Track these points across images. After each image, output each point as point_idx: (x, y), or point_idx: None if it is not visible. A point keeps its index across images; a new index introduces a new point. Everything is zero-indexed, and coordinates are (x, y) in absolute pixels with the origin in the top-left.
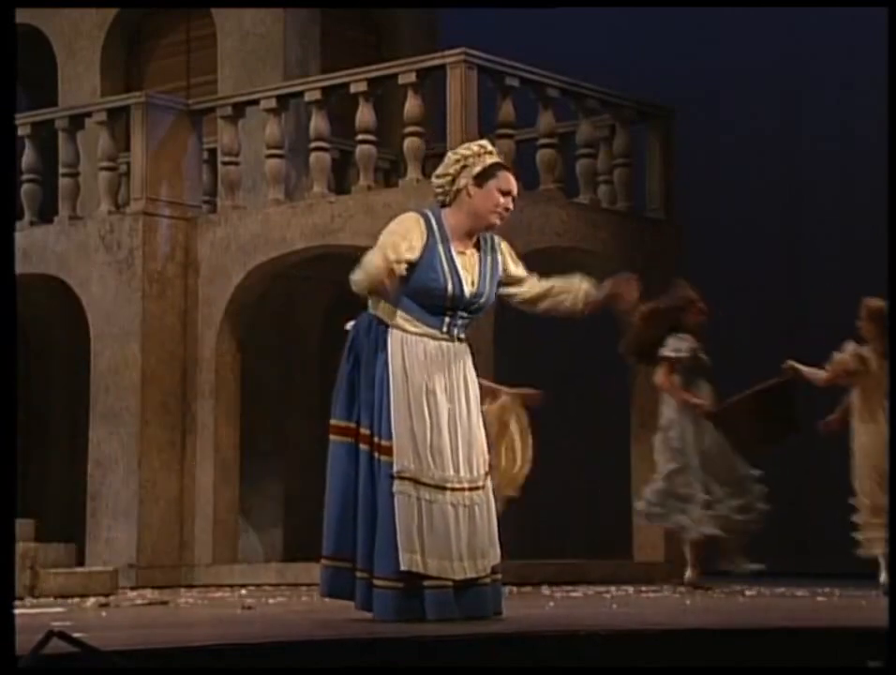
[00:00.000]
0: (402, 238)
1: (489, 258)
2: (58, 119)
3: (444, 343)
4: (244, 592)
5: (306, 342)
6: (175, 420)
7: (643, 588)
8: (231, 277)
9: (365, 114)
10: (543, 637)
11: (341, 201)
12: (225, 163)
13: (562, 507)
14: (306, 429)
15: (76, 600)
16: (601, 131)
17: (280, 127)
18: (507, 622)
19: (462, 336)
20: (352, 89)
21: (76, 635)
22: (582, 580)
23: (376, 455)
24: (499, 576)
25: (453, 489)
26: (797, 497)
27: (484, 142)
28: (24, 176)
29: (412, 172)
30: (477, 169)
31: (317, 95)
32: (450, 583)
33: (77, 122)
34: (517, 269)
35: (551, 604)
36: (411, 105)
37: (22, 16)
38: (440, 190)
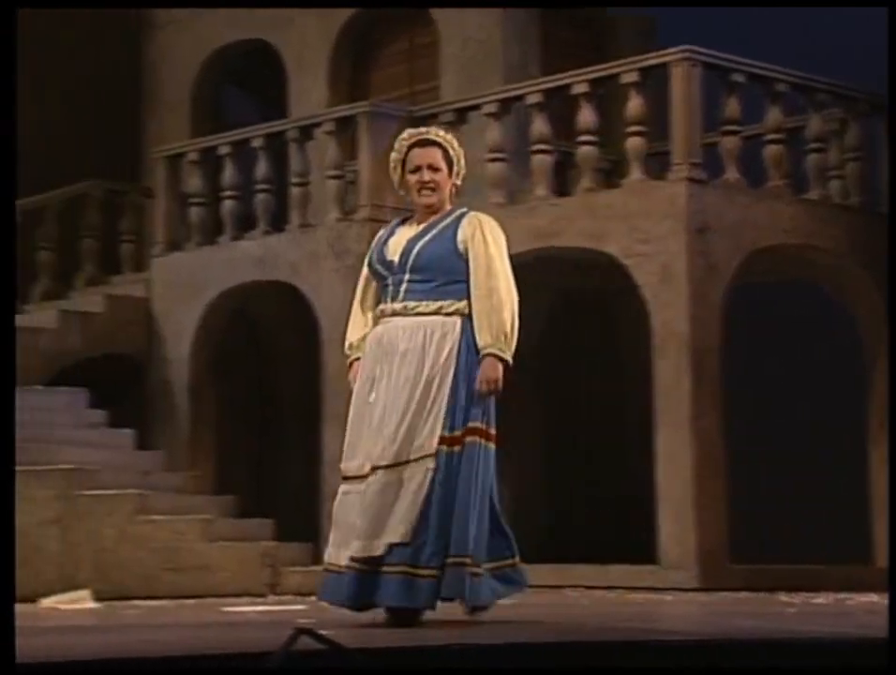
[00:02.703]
0: (359, 285)
1: (442, 224)
2: (289, 130)
3: (397, 320)
4: None
5: (527, 345)
6: None
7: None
8: None
9: (586, 115)
10: (792, 644)
11: (563, 203)
12: None
13: (797, 511)
14: (529, 432)
15: (315, 598)
16: (831, 125)
17: (502, 130)
18: (754, 628)
19: (422, 306)
20: (574, 90)
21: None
22: (819, 587)
23: None
24: (399, 567)
25: (351, 478)
26: None
27: (403, 135)
28: (258, 186)
29: (636, 172)
30: (400, 166)
31: (538, 97)
32: (339, 567)
33: (307, 132)
34: (473, 250)
35: (791, 610)
36: (634, 104)
37: (254, 31)
38: (403, 193)
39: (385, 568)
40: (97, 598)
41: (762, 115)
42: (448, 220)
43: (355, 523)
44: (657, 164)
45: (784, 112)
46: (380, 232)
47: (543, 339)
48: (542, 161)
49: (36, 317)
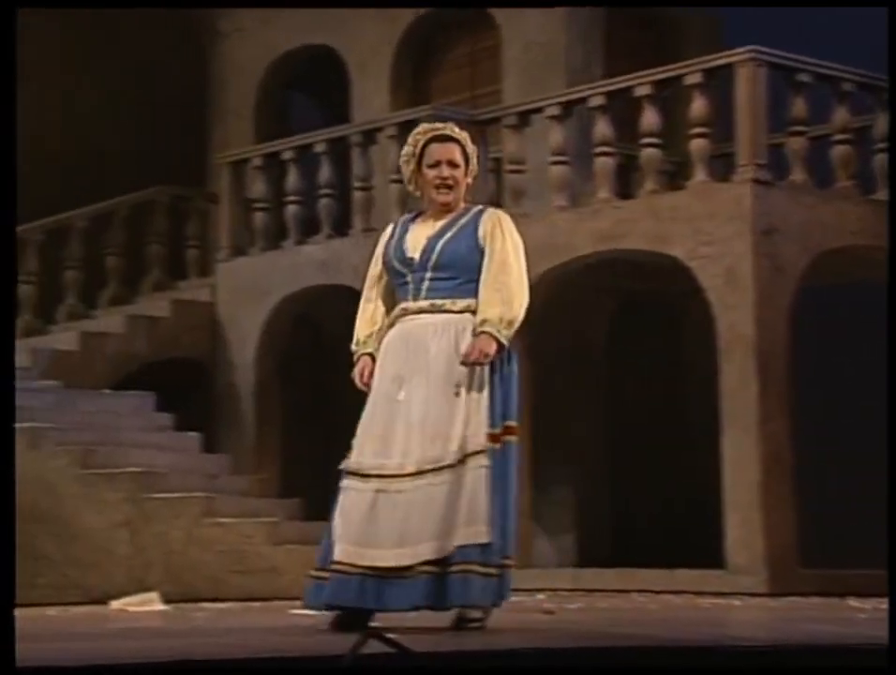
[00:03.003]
0: (368, 282)
1: (462, 221)
2: (352, 135)
3: (423, 317)
4: (541, 596)
5: (591, 348)
6: None
7: None
8: None
9: (650, 117)
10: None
11: (626, 205)
12: (511, 171)
13: (867, 514)
14: (593, 435)
15: None
16: None
17: (564, 133)
18: (824, 634)
19: (449, 303)
20: (637, 93)
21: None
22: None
23: None
24: (472, 566)
25: (381, 477)
26: None
27: (418, 129)
28: (322, 191)
29: (700, 174)
30: (414, 160)
31: (601, 100)
32: (355, 569)
33: (370, 137)
34: (490, 245)
35: (862, 615)
36: (698, 106)
37: (317, 36)
38: (412, 188)
39: (454, 568)
40: (166, 600)
41: (829, 115)
42: (466, 217)
43: (417, 526)
44: (722, 166)
45: (852, 112)
46: (389, 229)
47: (606, 342)
48: (605, 164)
49: (103, 322)
